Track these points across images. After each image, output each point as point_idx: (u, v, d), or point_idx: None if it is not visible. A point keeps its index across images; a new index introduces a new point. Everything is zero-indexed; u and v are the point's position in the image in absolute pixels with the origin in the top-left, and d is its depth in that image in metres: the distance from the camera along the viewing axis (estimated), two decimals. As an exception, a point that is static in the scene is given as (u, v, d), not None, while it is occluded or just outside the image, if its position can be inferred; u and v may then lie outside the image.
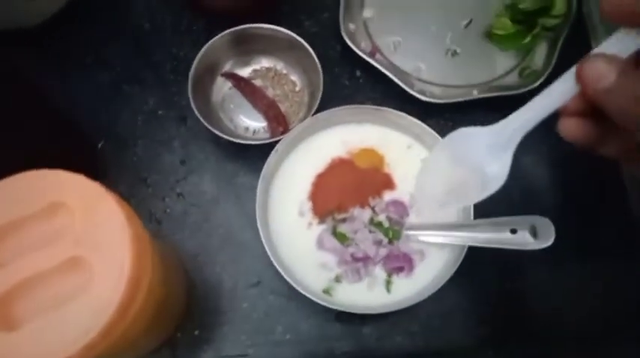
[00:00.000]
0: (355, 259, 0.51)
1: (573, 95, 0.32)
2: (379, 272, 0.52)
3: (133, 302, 0.37)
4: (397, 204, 0.53)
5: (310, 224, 0.53)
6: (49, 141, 0.56)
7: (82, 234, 0.36)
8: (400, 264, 0.51)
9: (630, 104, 0.29)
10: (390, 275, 0.52)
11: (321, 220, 0.53)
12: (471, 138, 0.38)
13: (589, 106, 0.32)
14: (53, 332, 0.34)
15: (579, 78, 0.31)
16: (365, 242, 0.51)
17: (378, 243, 0.51)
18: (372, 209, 0.53)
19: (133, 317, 0.38)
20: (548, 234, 0.47)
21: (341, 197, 0.53)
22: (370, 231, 0.52)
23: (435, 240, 0.51)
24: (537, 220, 0.48)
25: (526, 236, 0.48)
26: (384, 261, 0.52)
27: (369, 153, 0.56)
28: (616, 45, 0.31)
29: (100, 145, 0.59)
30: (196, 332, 0.54)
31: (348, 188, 0.54)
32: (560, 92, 0.33)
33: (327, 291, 0.51)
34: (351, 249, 0.51)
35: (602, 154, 0.34)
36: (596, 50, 0.31)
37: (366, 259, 0.51)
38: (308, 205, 0.54)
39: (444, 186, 0.40)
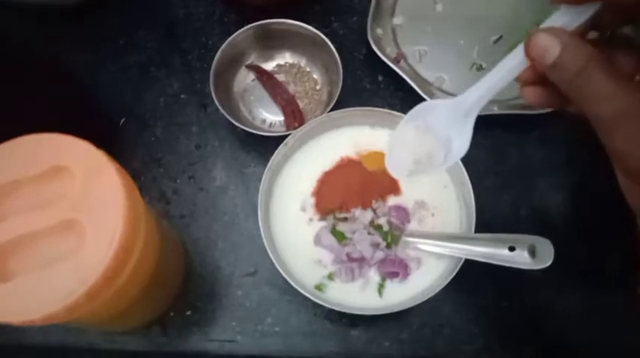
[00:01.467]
0: (350, 259, 0.51)
1: (524, 68, 0.34)
2: (373, 274, 0.52)
3: (121, 271, 0.38)
4: (400, 209, 0.53)
5: (311, 220, 0.53)
6: (73, 112, 0.59)
7: (79, 199, 0.38)
8: (395, 269, 0.51)
9: (572, 77, 0.31)
10: (383, 279, 0.52)
11: (322, 217, 0.53)
12: (435, 109, 0.40)
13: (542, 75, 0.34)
14: (42, 288, 0.36)
15: (527, 52, 0.33)
16: (362, 243, 0.51)
17: (376, 246, 0.51)
18: (374, 211, 0.53)
19: (121, 286, 0.39)
20: (547, 255, 0.46)
21: (345, 196, 0.53)
22: (369, 233, 0.52)
23: (432, 249, 0.51)
24: (537, 240, 0.47)
25: (524, 255, 0.47)
26: (379, 264, 0.52)
27: (379, 156, 0.56)
28: (562, 17, 0.32)
29: (121, 122, 0.61)
30: (188, 313, 0.55)
31: (353, 188, 0.54)
32: (512, 66, 0.35)
33: (319, 288, 0.51)
34: (347, 249, 0.51)
35: (571, 112, 0.36)
36: (544, 23, 0.33)
37: (361, 260, 0.51)
38: (311, 201, 0.54)
39: (411, 156, 0.41)
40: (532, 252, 0.47)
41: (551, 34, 0.32)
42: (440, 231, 0.52)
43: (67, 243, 0.37)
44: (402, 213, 0.53)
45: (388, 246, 0.52)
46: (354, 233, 0.52)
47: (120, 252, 0.37)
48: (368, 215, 0.53)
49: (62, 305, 0.35)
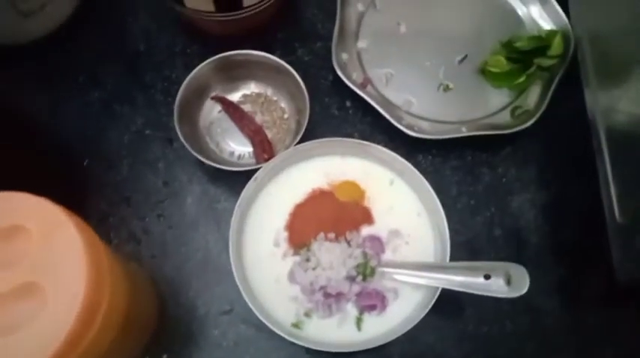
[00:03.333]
0: (327, 295, 0.50)
1: None
2: (351, 309, 0.51)
3: (86, 332, 0.37)
4: (374, 239, 0.53)
5: (285, 255, 0.52)
6: (33, 155, 0.57)
7: (38, 259, 0.36)
8: (373, 301, 0.51)
9: None
10: (361, 312, 0.51)
11: (296, 251, 0.52)
12: None
13: None
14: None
15: None
16: (338, 277, 0.50)
17: (352, 280, 0.51)
18: (348, 243, 0.52)
19: (89, 344, 0.37)
20: (522, 283, 0.46)
21: (318, 229, 0.53)
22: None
23: (408, 279, 0.50)
24: (512, 268, 0.47)
25: (499, 283, 0.47)
26: (356, 297, 0.51)
27: (351, 186, 0.55)
28: None
29: (85, 162, 0.60)
30: (164, 357, 0.53)
31: (326, 220, 0.53)
32: None
33: (296, 325, 0.50)
34: (321, 283, 0.50)
35: None
36: None
37: (338, 295, 0.51)
38: (284, 235, 0.53)
39: None
40: (507, 280, 0.46)
41: None
42: (415, 259, 0.52)
43: (27, 308, 0.36)
44: (377, 242, 0.53)
45: (364, 279, 0.51)
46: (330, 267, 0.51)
47: (84, 314, 0.35)
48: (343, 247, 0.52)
49: (24, 375, 0.33)
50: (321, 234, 0.52)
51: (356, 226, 0.53)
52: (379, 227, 0.53)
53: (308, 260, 0.51)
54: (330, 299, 0.50)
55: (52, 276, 0.36)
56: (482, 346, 0.55)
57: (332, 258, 0.51)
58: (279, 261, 0.52)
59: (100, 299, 0.37)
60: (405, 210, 0.54)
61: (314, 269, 0.51)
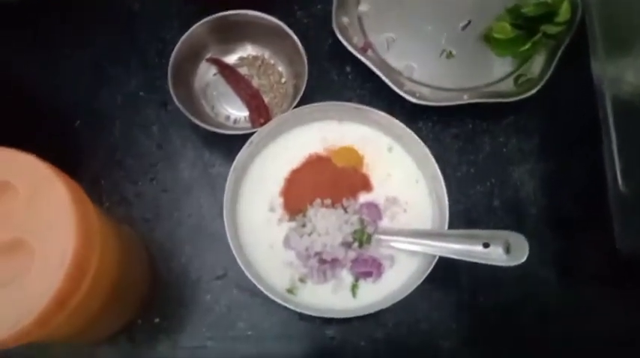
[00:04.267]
0: (322, 261, 0.50)
1: None
2: (346, 275, 0.50)
3: (75, 292, 0.36)
4: (371, 206, 0.52)
5: (280, 221, 0.51)
6: (25, 117, 0.56)
7: (25, 217, 0.35)
8: (368, 268, 0.50)
9: None
10: (357, 279, 0.50)
11: (292, 217, 0.51)
12: None
13: None
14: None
15: None
16: (333, 243, 0.50)
17: (348, 246, 0.50)
18: (345, 210, 0.51)
19: (78, 304, 0.37)
20: (521, 252, 0.45)
21: (314, 194, 0.52)
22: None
23: (405, 247, 0.49)
24: (512, 236, 0.46)
25: (498, 251, 0.46)
26: (352, 264, 0.50)
27: (349, 151, 0.54)
28: None
29: (76, 124, 0.58)
30: (156, 320, 0.53)
31: (323, 186, 0.52)
32: None
33: (291, 291, 0.50)
34: (317, 248, 0.49)
35: None
36: None
37: (333, 261, 0.50)
38: (279, 201, 0.52)
39: None
40: (507, 248, 0.46)
41: None
42: (413, 227, 0.51)
43: (14, 266, 0.35)
44: (374, 209, 0.52)
45: (360, 246, 0.50)
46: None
47: (73, 273, 0.34)
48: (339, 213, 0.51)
49: (9, 333, 0.32)
50: (318, 200, 0.51)
51: (353, 193, 0.52)
52: (377, 194, 0.52)
53: (304, 225, 0.50)
54: (325, 265, 0.50)
55: (39, 233, 0.35)
56: (477, 315, 0.54)
57: (328, 224, 0.50)
58: (274, 226, 0.51)
59: (90, 257, 0.37)
60: (403, 177, 0.53)
61: (309, 235, 0.50)
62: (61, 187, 0.36)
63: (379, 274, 0.50)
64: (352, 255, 0.50)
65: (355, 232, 0.50)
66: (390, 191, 0.53)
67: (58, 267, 0.34)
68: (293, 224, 0.51)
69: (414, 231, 0.50)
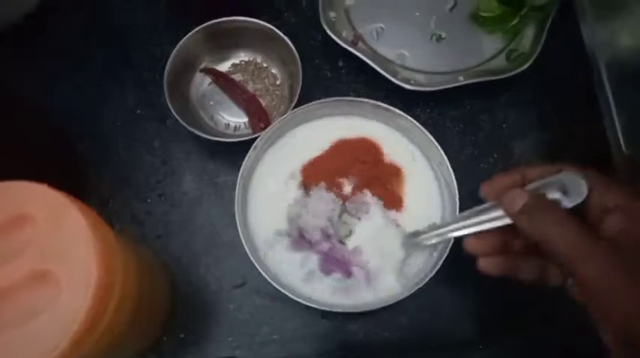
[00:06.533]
0: (301, 236, 0.51)
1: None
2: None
3: (104, 312, 0.36)
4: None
5: (291, 221, 0.52)
6: (29, 144, 0.55)
7: (47, 247, 0.35)
8: (332, 266, 0.50)
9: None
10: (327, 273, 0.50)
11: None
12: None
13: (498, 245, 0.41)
14: (26, 343, 0.34)
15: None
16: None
17: (326, 236, 0.50)
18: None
19: (106, 326, 0.37)
20: (579, 190, 0.37)
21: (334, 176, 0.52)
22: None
23: (434, 240, 0.48)
24: (565, 177, 0.39)
25: (556, 196, 0.38)
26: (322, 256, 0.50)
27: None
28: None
29: (79, 147, 0.58)
30: (182, 335, 0.53)
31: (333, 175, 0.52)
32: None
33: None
34: (325, 246, 0.50)
35: (522, 279, 0.41)
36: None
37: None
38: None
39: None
40: (564, 191, 0.38)
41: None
42: (422, 214, 0.51)
43: (42, 294, 0.35)
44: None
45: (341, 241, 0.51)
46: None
47: (99, 296, 0.35)
48: None
49: (50, 357, 0.33)
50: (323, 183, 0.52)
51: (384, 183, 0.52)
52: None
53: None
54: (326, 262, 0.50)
55: (62, 262, 0.35)
56: (498, 295, 0.54)
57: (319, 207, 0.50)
58: (286, 225, 0.52)
59: (113, 279, 0.37)
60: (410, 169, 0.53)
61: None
62: (77, 213, 0.36)
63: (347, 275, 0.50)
64: (326, 246, 0.50)
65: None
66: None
67: (86, 289, 0.34)
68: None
69: (437, 225, 0.49)
